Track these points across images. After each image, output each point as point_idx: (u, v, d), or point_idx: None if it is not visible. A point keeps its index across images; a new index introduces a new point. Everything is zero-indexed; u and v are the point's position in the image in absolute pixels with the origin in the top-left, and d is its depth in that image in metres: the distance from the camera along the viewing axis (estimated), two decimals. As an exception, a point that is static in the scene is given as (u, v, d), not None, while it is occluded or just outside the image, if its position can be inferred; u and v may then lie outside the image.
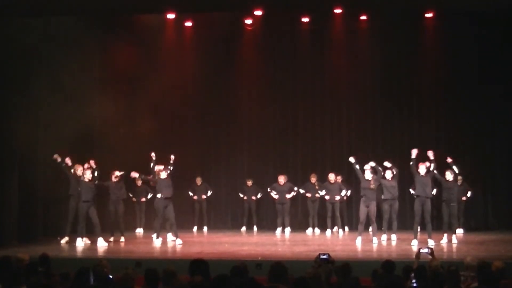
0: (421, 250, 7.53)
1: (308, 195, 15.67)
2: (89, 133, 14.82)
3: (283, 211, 15.62)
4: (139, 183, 15.31)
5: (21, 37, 12.89)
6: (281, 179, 15.67)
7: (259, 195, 16.27)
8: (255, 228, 16.12)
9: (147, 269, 6.20)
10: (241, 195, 16.29)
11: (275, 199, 15.76)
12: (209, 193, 16.28)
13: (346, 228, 15.63)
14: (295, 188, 15.74)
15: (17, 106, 13.09)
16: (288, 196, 15.65)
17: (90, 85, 14.63)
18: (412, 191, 13.61)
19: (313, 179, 15.64)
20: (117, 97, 15.12)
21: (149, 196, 15.19)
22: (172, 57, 16.45)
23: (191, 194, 16.20)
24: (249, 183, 16.23)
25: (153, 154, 13.59)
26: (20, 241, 12.77)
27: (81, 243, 12.80)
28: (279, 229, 15.49)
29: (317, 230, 15.45)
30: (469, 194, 14.31)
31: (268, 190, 15.86)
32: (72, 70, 13.65)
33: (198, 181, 16.24)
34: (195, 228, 16.19)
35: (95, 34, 14.60)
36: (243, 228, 16.09)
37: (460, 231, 14.18)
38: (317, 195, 15.61)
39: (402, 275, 6.60)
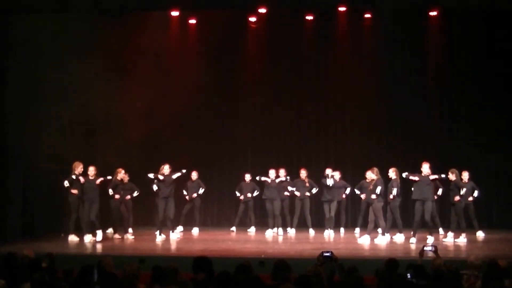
0: (425, 248, 7.51)
1: (297, 193, 14.70)
2: (93, 129, 14.82)
3: (272, 209, 14.55)
4: (126, 180, 14.24)
5: (24, 33, 12.91)
6: (272, 174, 14.63)
7: (255, 193, 15.16)
8: (254, 228, 15.13)
9: (154, 266, 6.22)
10: (238, 194, 15.27)
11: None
12: (201, 191, 15.06)
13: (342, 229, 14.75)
14: (289, 188, 14.72)
15: (20, 103, 13.09)
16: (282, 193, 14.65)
17: (93, 82, 14.61)
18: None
19: (303, 175, 14.72)
20: (120, 94, 15.09)
21: (135, 194, 14.31)
22: (176, 54, 16.43)
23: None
24: (247, 178, 15.15)
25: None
26: (24, 237, 12.79)
27: (88, 239, 12.83)
28: (275, 229, 14.54)
29: (312, 231, 14.47)
30: (476, 193, 13.94)
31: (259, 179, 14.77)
32: (75, 66, 13.63)
33: (194, 176, 15.16)
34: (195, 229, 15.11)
35: (98, 31, 14.55)
36: (233, 228, 15.02)
37: (480, 233, 13.84)
38: (307, 193, 14.68)
39: (405, 273, 6.59)
